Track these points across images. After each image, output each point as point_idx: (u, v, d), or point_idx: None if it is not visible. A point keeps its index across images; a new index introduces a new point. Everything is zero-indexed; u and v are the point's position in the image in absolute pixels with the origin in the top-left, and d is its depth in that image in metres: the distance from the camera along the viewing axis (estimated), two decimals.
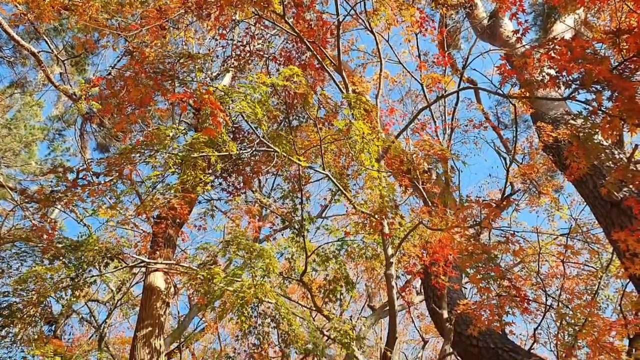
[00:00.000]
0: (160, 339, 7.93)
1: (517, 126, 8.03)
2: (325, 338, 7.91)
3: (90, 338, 17.36)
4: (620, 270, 8.63)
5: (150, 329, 7.82)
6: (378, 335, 16.90)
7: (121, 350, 17.75)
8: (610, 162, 7.69)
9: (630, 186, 7.22)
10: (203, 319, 17.28)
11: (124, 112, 4.55)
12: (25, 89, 20.15)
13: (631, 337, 7.88)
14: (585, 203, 9.54)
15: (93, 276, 7.04)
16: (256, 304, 7.92)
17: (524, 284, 7.33)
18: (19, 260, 7.50)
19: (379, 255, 8.59)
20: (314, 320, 8.40)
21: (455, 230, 5.90)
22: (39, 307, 6.91)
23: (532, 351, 7.46)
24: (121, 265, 7.63)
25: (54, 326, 17.10)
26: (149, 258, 7.91)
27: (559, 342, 6.56)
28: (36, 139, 19.92)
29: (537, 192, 11.26)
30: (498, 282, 6.04)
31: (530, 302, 6.65)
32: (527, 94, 5.75)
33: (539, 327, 7.18)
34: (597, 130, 5.47)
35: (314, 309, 8.33)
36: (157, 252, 8.15)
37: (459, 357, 7.96)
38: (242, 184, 9.04)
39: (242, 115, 6.24)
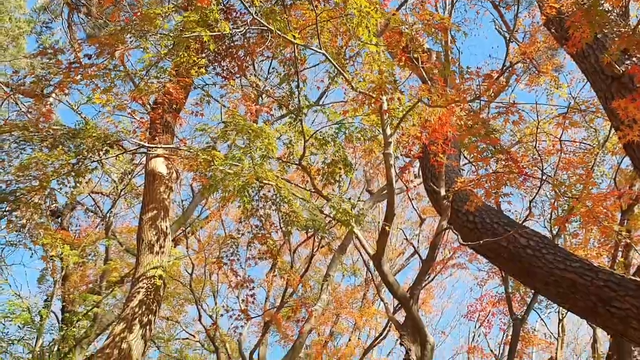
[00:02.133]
0: (166, 221, 8.13)
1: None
2: (326, 217, 8.11)
3: (97, 227, 17.87)
4: (618, 145, 8.70)
5: (155, 212, 7.99)
6: (377, 218, 17.40)
7: (128, 238, 18.29)
8: (614, 35, 7.47)
9: (634, 59, 7.07)
10: (206, 206, 17.69)
11: None
12: None
13: (624, 209, 8.12)
14: (585, 80, 9.41)
15: (94, 161, 7.09)
16: (257, 188, 8.05)
17: (521, 159, 7.39)
18: (18, 149, 7.52)
19: (377, 136, 8.60)
20: (314, 202, 8.58)
21: (455, 104, 5.85)
22: (42, 193, 7.01)
23: (526, 224, 7.68)
24: (121, 152, 7.66)
25: (60, 218, 17.53)
26: (148, 144, 7.92)
27: (554, 211, 6.74)
28: (23, 32, 19.31)
29: (536, 71, 11.08)
30: (496, 157, 6.08)
31: (527, 175, 6.74)
32: None
33: (534, 201, 7.35)
34: None
35: (314, 191, 8.48)
36: (156, 138, 8.14)
37: (455, 232, 8.19)
38: (236, 69, 8.86)
39: None
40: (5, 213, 6.81)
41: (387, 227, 7.02)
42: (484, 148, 5.91)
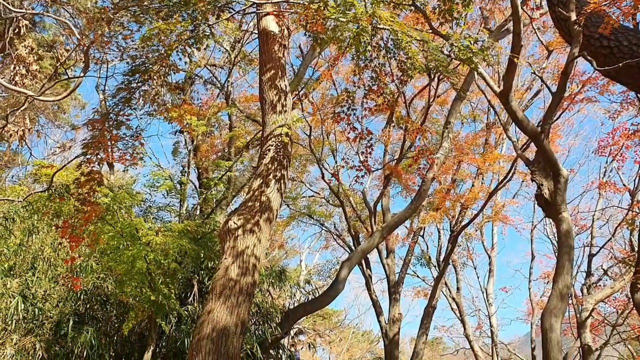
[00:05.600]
0: (284, 80, 8.22)
1: None
2: (448, 57, 7.76)
3: (217, 98, 18.62)
4: None
5: (273, 71, 8.07)
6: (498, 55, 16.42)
7: (247, 106, 18.95)
8: None
9: None
10: (316, 67, 17.66)
11: None
12: None
13: None
14: None
15: (209, 25, 7.17)
16: (371, 35, 7.78)
17: None
18: (137, 23, 7.77)
19: None
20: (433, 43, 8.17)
21: None
22: (167, 62, 7.29)
23: None
24: (232, 14, 7.66)
25: (182, 92, 18.45)
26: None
27: None
28: None
29: None
30: None
31: None
32: None
33: None
34: None
35: (431, 31, 8.07)
36: None
37: (588, 59, 7.56)
38: None
39: None
40: (138, 84, 7.21)
41: (515, 59, 6.62)
42: None
